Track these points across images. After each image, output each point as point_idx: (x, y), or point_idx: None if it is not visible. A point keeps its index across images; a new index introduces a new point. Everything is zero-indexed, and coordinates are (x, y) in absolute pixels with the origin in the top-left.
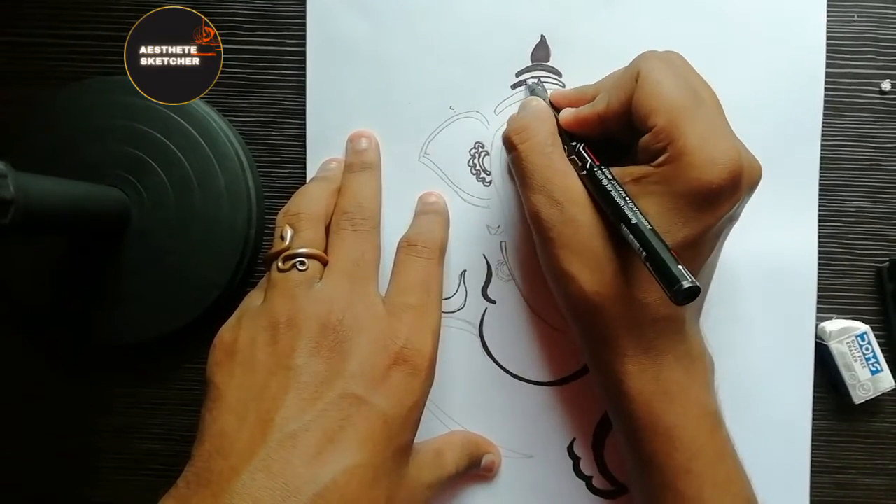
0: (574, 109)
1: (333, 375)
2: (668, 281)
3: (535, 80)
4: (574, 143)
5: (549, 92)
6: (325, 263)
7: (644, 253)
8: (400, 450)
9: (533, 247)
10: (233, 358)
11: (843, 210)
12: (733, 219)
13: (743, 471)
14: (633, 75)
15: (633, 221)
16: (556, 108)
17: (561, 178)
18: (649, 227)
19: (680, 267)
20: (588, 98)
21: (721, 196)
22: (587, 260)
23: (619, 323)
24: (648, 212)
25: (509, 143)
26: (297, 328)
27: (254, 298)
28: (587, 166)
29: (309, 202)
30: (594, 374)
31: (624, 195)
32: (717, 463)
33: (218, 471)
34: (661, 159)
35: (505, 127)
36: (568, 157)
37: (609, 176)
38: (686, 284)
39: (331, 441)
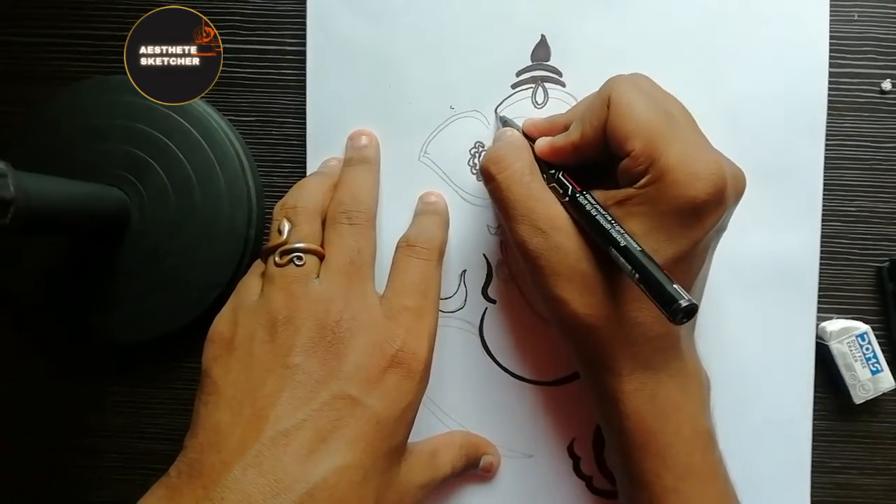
0: (549, 139)
1: (329, 375)
2: (665, 301)
3: (504, 116)
4: (553, 171)
5: (520, 123)
6: (321, 258)
7: (637, 275)
8: (392, 451)
9: None
10: (230, 353)
11: (844, 210)
12: (721, 230)
13: (733, 493)
14: (604, 101)
15: (622, 244)
16: (531, 139)
17: (543, 206)
18: (639, 248)
19: (675, 286)
20: (560, 127)
21: (706, 209)
22: (576, 284)
23: (613, 343)
24: (635, 232)
25: (487, 175)
26: (295, 326)
27: (248, 289)
28: (569, 192)
29: (306, 196)
30: (590, 391)
31: (609, 219)
32: (707, 484)
33: (210, 464)
34: (643, 181)
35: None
36: (548, 184)
37: (592, 200)
38: (684, 303)
39: (323, 440)
